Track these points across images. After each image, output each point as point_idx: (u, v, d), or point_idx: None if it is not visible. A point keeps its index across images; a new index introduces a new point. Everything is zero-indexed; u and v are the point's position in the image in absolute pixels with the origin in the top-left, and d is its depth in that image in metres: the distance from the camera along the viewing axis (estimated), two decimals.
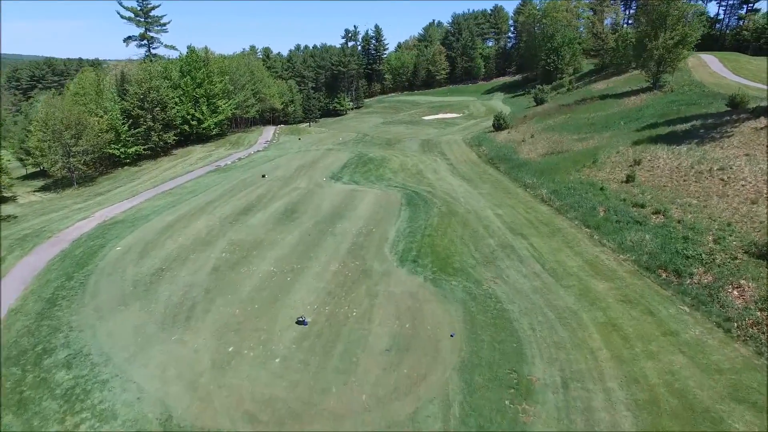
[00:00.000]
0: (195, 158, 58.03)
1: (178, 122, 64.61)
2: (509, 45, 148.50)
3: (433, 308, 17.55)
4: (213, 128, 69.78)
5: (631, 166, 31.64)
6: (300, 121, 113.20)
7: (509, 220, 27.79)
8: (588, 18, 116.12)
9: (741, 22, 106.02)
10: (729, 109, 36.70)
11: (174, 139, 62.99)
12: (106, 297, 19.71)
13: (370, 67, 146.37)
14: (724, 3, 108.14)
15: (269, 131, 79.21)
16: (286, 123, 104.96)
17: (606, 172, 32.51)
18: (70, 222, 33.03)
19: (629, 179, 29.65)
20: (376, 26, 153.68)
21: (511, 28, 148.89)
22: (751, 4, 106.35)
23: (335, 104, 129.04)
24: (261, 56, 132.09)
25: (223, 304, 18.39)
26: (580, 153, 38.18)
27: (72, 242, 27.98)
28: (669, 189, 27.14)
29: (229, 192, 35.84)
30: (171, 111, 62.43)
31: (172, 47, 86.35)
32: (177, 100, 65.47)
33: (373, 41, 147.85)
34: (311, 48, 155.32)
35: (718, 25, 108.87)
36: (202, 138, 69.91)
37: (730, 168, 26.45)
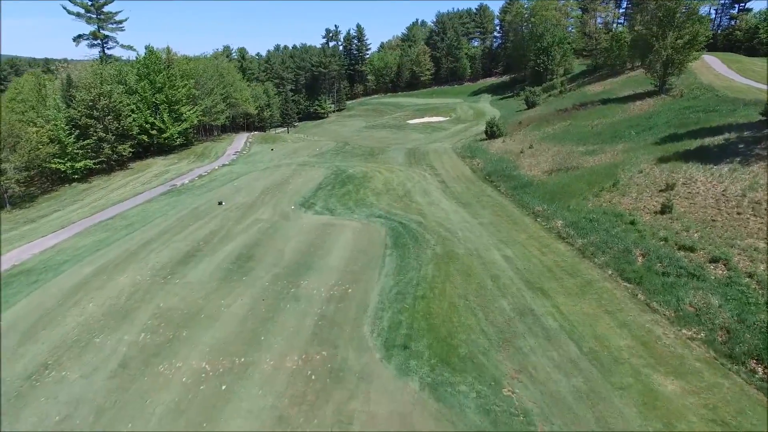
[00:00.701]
0: (151, 175, 50.91)
1: (134, 132, 57.31)
2: (495, 45, 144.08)
3: None
4: (176, 138, 62.63)
5: (662, 191, 26.19)
6: (278, 126, 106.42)
7: (522, 266, 21.96)
8: (578, 17, 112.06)
9: (733, 22, 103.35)
10: (764, 118, 31.69)
11: (131, 152, 55.76)
12: None
13: (352, 67, 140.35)
14: (715, 2, 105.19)
15: (241, 139, 72.32)
16: (261, 129, 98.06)
17: (632, 198, 26.99)
18: None
19: (665, 210, 24.10)
20: (358, 25, 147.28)
21: (498, 28, 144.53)
22: (743, 4, 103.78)
23: (316, 107, 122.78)
24: (236, 57, 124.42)
25: None
26: (595, 171, 32.69)
27: None
28: (720, 225, 21.66)
29: (174, 227, 29.11)
30: (126, 119, 55.13)
31: (130, 47, 78.78)
32: (133, 107, 58.15)
33: (355, 41, 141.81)
34: (291, 48, 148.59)
35: (709, 25, 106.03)
36: (164, 149, 62.63)
37: None
